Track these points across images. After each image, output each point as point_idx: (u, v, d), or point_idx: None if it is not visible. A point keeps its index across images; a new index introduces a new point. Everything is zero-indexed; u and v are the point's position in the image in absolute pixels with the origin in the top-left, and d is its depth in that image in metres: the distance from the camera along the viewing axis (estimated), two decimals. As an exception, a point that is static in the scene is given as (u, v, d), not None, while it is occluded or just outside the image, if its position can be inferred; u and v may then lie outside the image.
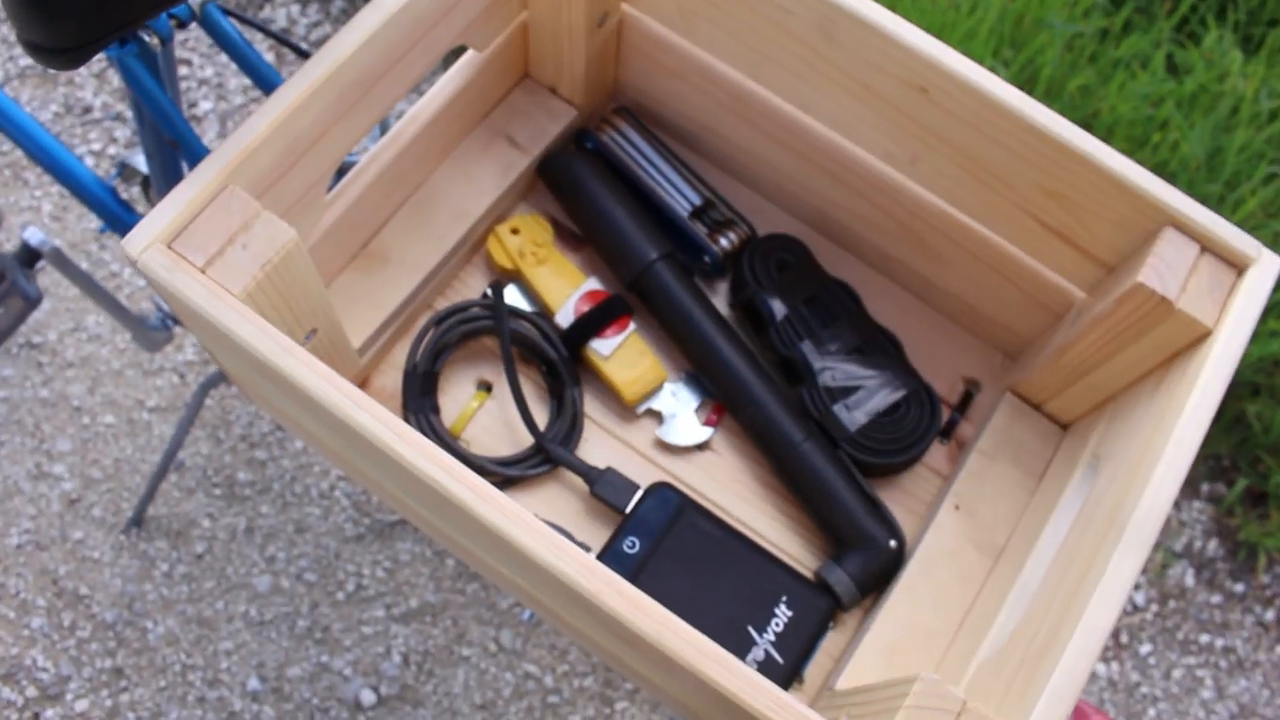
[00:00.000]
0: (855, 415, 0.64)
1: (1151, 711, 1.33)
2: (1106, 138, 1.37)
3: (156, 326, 1.14)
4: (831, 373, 0.65)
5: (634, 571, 0.60)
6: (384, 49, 0.55)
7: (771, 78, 0.64)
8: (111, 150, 1.49)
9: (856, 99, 0.61)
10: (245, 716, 1.26)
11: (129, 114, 1.50)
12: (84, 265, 1.42)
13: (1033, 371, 0.64)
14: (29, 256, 0.99)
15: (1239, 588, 1.38)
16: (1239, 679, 1.35)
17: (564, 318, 0.65)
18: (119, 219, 1.01)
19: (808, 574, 0.63)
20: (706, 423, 0.66)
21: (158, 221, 0.49)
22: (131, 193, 1.37)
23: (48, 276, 1.40)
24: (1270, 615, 1.37)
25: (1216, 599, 1.37)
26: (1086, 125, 1.39)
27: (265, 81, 0.74)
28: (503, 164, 0.68)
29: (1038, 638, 0.49)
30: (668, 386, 0.66)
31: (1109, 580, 0.47)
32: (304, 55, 0.80)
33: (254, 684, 1.28)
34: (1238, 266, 0.54)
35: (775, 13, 0.59)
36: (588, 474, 0.63)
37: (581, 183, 0.68)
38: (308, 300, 0.54)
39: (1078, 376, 0.62)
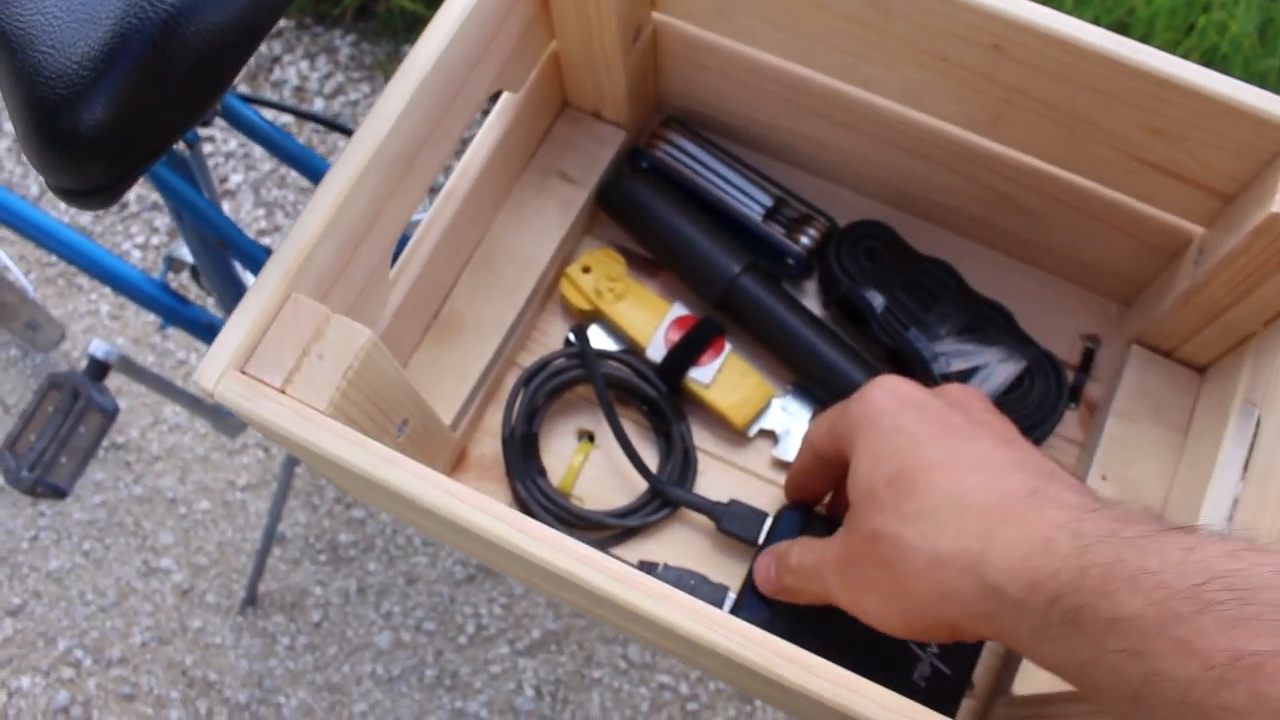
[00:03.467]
0: (978, 399, 0.60)
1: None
2: (1147, 34, 1.30)
3: (232, 413, 1.13)
4: (945, 358, 0.61)
5: (779, 605, 0.57)
6: (424, 112, 0.52)
7: (824, 61, 0.60)
8: (155, 240, 1.49)
9: (924, 68, 0.56)
10: (392, 775, 1.26)
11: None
12: (150, 359, 1.42)
13: (1158, 319, 0.60)
14: (99, 370, 0.98)
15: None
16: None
17: (655, 351, 0.62)
18: (176, 312, 1.00)
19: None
20: (821, 433, 0.63)
21: (226, 347, 0.47)
22: (183, 280, 1.37)
23: (120, 377, 1.40)
24: None
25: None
26: (1123, 26, 1.32)
27: (301, 163, 0.72)
28: (560, 202, 0.65)
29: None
30: (776, 402, 0.63)
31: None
32: (333, 126, 0.78)
33: (395, 741, 1.28)
34: (1378, 171, 0.49)
35: (820, -5, 0.55)
36: (711, 510, 0.60)
37: (645, 206, 0.64)
38: (393, 393, 0.51)
39: (1210, 319, 0.57)
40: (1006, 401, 0.61)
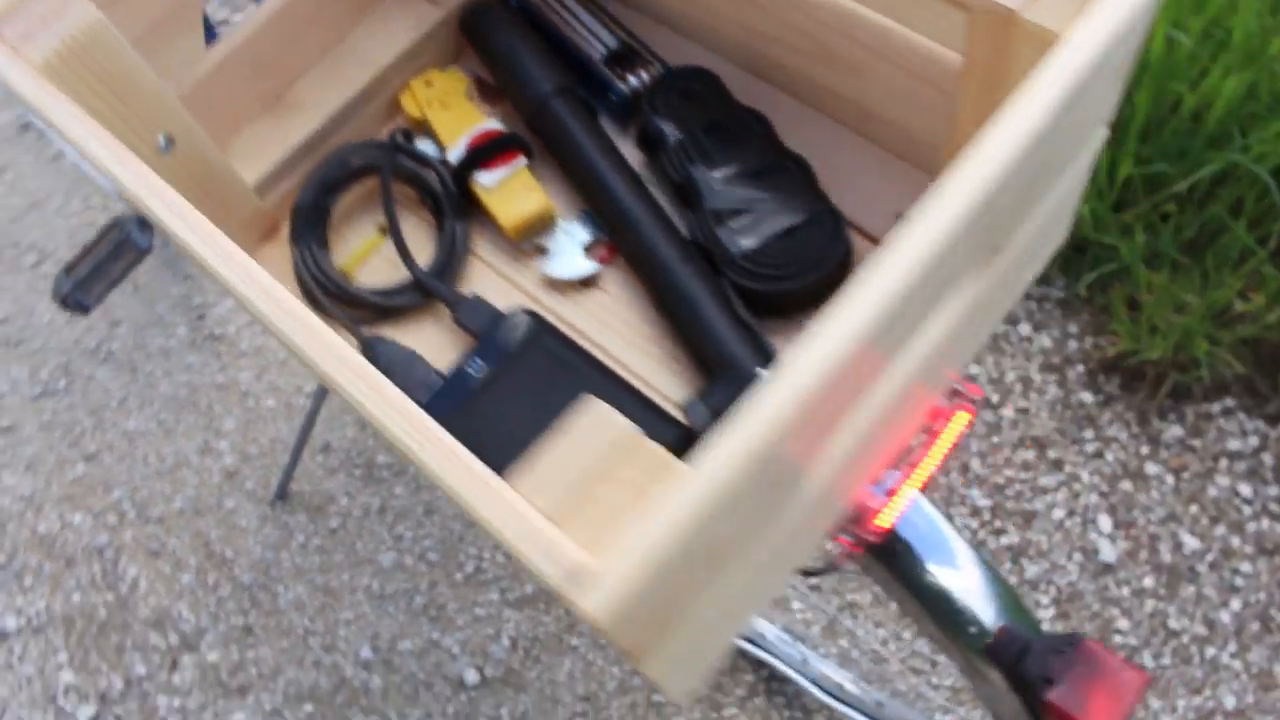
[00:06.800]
0: (743, 238, 0.58)
1: None
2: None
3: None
4: (721, 195, 0.59)
5: (474, 392, 0.56)
6: None
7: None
8: None
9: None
10: (354, 683, 1.29)
11: None
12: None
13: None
14: (147, 213, 1.10)
15: None
16: None
17: (455, 155, 0.64)
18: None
19: (678, 414, 0.57)
20: (597, 261, 0.62)
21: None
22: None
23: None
24: None
25: None
26: None
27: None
28: (418, 18, 0.68)
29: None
30: (561, 224, 0.63)
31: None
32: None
33: (367, 653, 1.31)
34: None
35: None
36: (451, 300, 0.60)
37: (493, 32, 0.66)
38: (146, 100, 0.56)
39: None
40: (776, 248, 0.57)
